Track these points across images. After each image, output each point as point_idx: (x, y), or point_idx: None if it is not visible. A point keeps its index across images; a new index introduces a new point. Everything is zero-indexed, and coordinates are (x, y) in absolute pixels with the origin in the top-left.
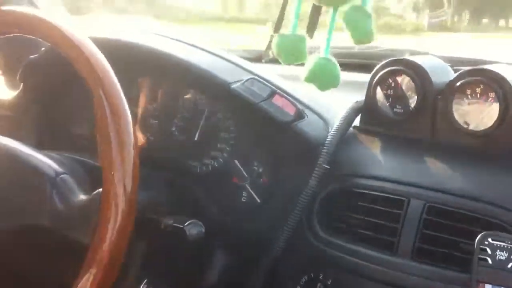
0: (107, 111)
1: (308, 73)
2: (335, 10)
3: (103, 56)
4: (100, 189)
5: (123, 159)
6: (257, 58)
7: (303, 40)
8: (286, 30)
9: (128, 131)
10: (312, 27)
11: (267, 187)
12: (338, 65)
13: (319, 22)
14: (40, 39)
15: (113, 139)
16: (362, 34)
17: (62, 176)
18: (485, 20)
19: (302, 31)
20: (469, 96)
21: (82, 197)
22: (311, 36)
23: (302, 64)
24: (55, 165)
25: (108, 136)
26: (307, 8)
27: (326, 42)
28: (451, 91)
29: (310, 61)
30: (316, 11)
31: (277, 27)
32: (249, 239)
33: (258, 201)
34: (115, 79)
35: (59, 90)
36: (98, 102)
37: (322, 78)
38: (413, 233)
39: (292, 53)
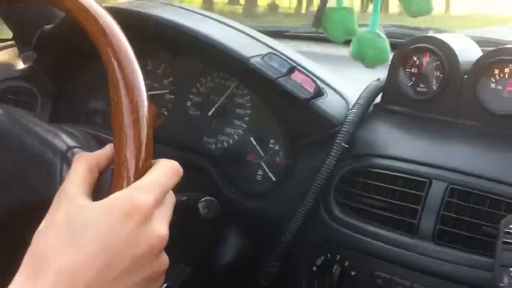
0: (121, 85)
1: (353, 49)
2: None
3: (119, 28)
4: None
5: (136, 135)
6: (275, 34)
7: (352, 12)
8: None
9: (142, 107)
10: None
11: (283, 165)
12: (386, 39)
13: None
14: (54, 7)
15: (126, 115)
16: (418, 6)
17: (73, 149)
18: None
19: None
20: (496, 76)
21: None
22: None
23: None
24: (66, 138)
25: (121, 112)
26: None
27: (373, 15)
28: (478, 70)
29: (356, 37)
30: None
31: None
32: (264, 218)
33: (274, 179)
34: (131, 52)
35: (75, 63)
36: (111, 76)
37: (369, 53)
38: (434, 215)
39: (341, 27)
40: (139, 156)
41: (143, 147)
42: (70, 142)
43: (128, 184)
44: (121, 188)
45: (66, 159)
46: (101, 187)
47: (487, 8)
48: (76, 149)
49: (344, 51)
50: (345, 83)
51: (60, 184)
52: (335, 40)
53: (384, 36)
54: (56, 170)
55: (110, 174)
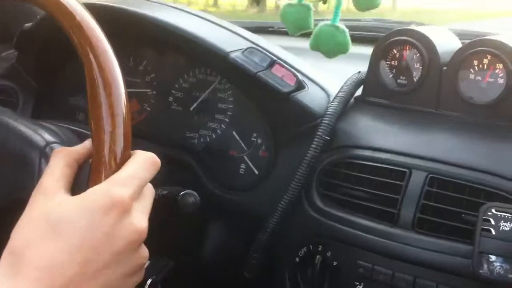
0: (99, 80)
1: (311, 40)
2: None
3: (96, 23)
4: (90, 160)
5: (114, 129)
6: (258, 29)
7: (309, 9)
8: None
9: (119, 101)
10: None
11: (266, 159)
12: (346, 31)
13: None
14: (31, 4)
15: (104, 110)
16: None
17: (52, 145)
18: None
19: None
20: (475, 67)
21: None
22: (324, 1)
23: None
24: (45, 134)
25: (99, 106)
26: None
27: (334, 10)
28: (457, 62)
29: (316, 29)
30: None
31: None
32: (247, 212)
33: (256, 172)
34: (108, 47)
35: (56, 60)
36: (89, 71)
37: (327, 45)
38: (414, 205)
39: (297, 23)
40: (117, 150)
41: (121, 141)
42: (49, 137)
43: (106, 177)
44: (99, 181)
45: (44, 155)
46: (80, 181)
47: (453, 3)
48: (55, 145)
49: None
50: (326, 77)
51: (38, 180)
52: (291, 34)
53: (344, 29)
54: (35, 166)
55: (88, 169)
